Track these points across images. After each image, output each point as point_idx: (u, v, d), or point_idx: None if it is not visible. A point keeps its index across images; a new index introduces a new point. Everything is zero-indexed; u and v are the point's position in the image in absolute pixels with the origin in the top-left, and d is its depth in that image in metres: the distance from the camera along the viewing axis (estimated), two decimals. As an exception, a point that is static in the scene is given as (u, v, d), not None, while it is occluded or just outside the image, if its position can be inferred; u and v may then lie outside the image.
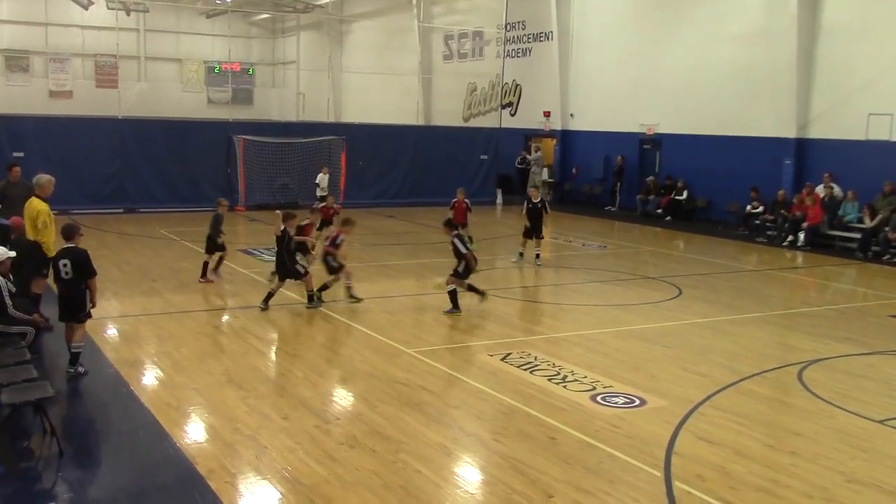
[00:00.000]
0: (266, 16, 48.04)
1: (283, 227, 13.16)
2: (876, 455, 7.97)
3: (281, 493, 6.83)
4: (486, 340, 11.75)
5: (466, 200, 18.81)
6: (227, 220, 15.77)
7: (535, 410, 8.91)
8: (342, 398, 9.51)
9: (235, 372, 10.01)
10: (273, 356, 11.31)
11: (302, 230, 14.74)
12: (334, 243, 13.68)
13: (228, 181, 26.49)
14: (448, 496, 6.92)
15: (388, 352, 11.09)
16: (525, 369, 10.38)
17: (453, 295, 13.07)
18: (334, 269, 13.63)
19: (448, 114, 35.77)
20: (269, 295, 13.23)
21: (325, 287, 13.57)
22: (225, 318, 13.19)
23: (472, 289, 13.27)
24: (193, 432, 8.19)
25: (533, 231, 17.61)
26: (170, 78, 47.99)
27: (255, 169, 26.57)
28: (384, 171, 29.15)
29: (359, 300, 13.70)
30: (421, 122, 33.59)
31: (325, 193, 26.56)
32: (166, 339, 11.44)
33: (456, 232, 13.40)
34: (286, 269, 13.23)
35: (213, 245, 15.14)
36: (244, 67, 47.56)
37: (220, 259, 15.42)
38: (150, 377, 9.91)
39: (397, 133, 29.97)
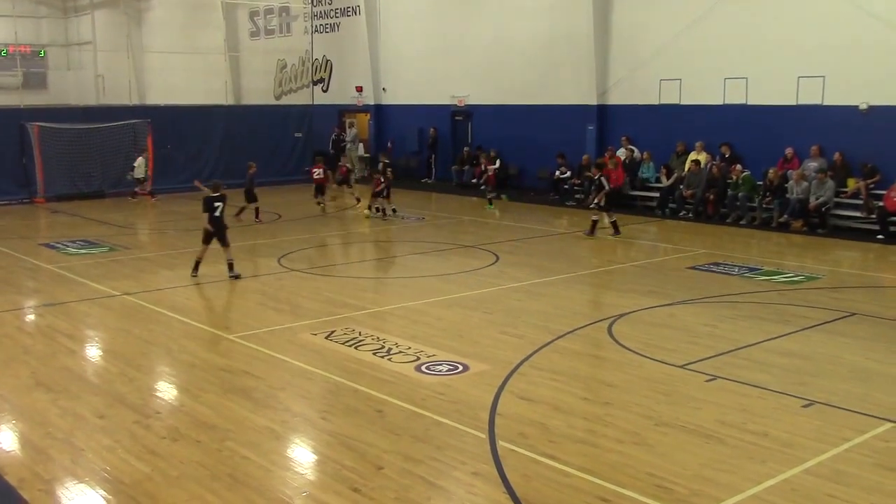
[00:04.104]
0: (55, -7, 45.06)
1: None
2: (679, 398, 8.58)
3: (101, 495, 6.56)
4: (309, 320, 11.69)
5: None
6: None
7: (361, 385, 8.99)
8: (162, 391, 9.21)
9: (44, 374, 9.48)
10: (85, 353, 10.77)
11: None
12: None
13: (25, 172, 24.78)
14: (278, 479, 6.87)
15: (208, 339, 10.83)
16: (350, 345, 10.42)
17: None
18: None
19: (258, 92, 34.91)
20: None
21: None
22: (29, 317, 12.43)
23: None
24: (1, 441, 7.71)
25: None
26: (-52, 63, 44.11)
27: (53, 158, 24.87)
28: (194, 153, 27.97)
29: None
30: (231, 102, 32.64)
31: (141, 177, 25.49)
32: (-37, 345, 10.66)
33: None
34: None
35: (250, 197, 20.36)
36: (35, 49, 44.39)
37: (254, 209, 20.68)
38: (-52, 387, 9.22)
39: (206, 113, 28.99)
